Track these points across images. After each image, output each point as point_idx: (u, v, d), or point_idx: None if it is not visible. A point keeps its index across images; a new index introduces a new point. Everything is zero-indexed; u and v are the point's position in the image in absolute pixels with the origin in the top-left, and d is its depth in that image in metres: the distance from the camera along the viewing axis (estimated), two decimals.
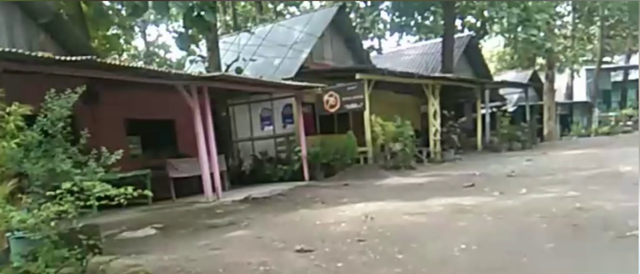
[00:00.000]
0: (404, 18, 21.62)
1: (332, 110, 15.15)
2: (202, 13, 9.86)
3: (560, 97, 33.46)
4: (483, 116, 21.68)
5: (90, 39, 12.60)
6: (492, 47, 40.11)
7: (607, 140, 22.02)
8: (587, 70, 35.71)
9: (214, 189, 10.24)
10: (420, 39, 27.47)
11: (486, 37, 37.53)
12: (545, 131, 26.87)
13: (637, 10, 34.86)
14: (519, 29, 20.49)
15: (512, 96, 30.01)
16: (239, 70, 15.74)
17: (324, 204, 8.69)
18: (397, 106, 20.52)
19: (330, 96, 15.02)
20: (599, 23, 32.70)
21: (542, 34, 21.13)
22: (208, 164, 10.07)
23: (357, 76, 14.30)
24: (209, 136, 10.22)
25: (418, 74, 16.74)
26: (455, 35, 23.65)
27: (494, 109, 24.59)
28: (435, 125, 18.23)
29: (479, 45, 28.63)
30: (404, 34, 23.44)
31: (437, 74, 18.89)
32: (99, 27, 12.85)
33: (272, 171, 14.83)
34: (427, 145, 18.14)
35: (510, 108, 27.75)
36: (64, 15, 10.92)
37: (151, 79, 8.77)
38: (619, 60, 40.50)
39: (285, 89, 13.70)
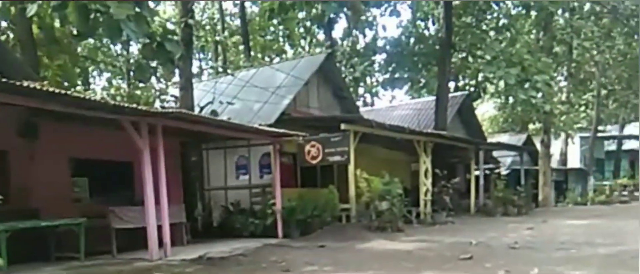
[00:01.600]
0: (397, 73, 20.50)
1: (314, 161, 13.69)
2: (165, 43, 8.54)
3: (553, 163, 32.37)
4: (477, 178, 20.33)
5: (41, 68, 11.18)
6: (483, 111, 39.39)
7: (607, 210, 20.63)
8: (581, 137, 34.87)
9: (161, 244, 8.60)
10: (413, 98, 26.52)
11: (479, 100, 36.95)
12: (540, 197, 25.51)
13: (636, 79, 34.49)
14: (517, 90, 19.40)
15: (506, 159, 28.89)
16: (214, 113, 14.41)
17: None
18: (386, 162, 19.21)
19: (312, 146, 13.60)
20: (595, 91, 32.09)
21: (541, 95, 20.07)
22: (155, 214, 8.46)
23: (342, 126, 12.93)
24: (160, 183, 8.67)
25: (409, 129, 15.39)
26: (450, 94, 22.70)
27: (487, 172, 23.31)
28: (426, 184, 16.83)
29: (474, 107, 27.75)
30: (396, 89, 22.34)
31: (430, 131, 17.62)
32: (52, 55, 11.47)
33: (242, 225, 13.24)
34: (417, 205, 16.68)
35: (504, 171, 26.51)
36: (7, 39, 9.55)
37: (87, 112, 7.31)
38: (611, 129, 39.92)
39: (258, 135, 12.27)
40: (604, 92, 32.61)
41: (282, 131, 12.05)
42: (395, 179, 13.82)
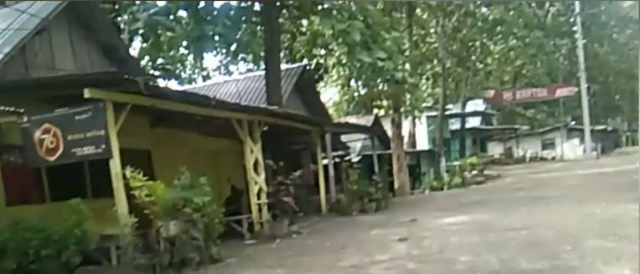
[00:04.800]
0: (205, 32, 14.62)
1: (52, 158, 7.82)
2: None
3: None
4: (326, 168, 15.97)
5: None
6: (326, 99, 36.14)
7: (472, 196, 17.61)
8: (428, 117, 32.99)
9: None
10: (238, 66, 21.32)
11: (321, 84, 33.35)
12: (396, 185, 22.21)
13: (472, 55, 33.63)
14: (362, 51, 15.32)
15: (356, 144, 25.32)
16: None
17: None
18: (206, 155, 14.14)
19: (47, 131, 7.75)
20: (440, 65, 30.16)
21: (390, 60, 16.27)
22: None
23: (87, 94, 7.16)
24: None
25: (216, 100, 9.80)
26: (285, 66, 18.07)
27: (337, 160, 19.27)
28: (258, 181, 11.86)
29: (315, 83, 23.62)
30: (208, 52, 16.57)
31: (254, 105, 12.68)
32: None
33: None
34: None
35: (355, 158, 22.81)
36: None
37: None
38: (452, 108, 39.16)
39: None
40: (447, 65, 30.85)
41: None
42: (202, 180, 8.61)
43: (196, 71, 23.65)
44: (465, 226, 9.87)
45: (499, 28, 33.39)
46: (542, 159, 41.57)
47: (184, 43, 17.35)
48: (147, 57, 15.60)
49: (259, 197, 11.85)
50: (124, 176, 7.69)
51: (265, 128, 13.51)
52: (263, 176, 12.03)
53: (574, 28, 41.45)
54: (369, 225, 11.52)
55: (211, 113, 9.90)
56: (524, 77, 49.75)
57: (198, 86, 20.13)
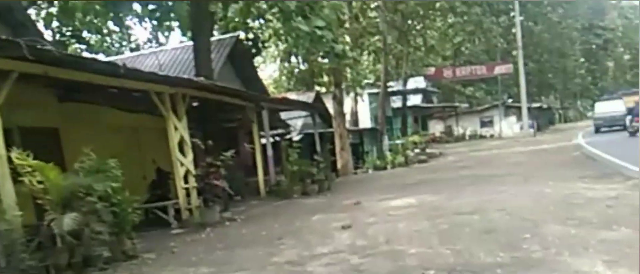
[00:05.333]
0: None
1: None
2: None
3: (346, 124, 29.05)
4: (264, 147, 14.85)
5: None
6: (265, 76, 34.75)
7: (417, 175, 17.01)
8: (370, 94, 32.36)
9: None
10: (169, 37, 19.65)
11: (260, 60, 31.96)
12: (339, 164, 21.39)
13: (413, 29, 33.13)
14: (300, 21, 14.18)
15: (296, 122, 24.24)
16: None
17: None
18: (128, 133, 12.65)
19: None
20: (381, 40, 29.40)
21: (330, 30, 15.22)
22: None
23: None
24: None
25: (127, 69, 8.15)
26: (216, 37, 16.60)
27: (277, 138, 18.17)
28: (184, 163, 10.59)
29: (251, 56, 22.22)
30: (126, 17, 14.73)
31: (176, 76, 11.31)
32: None
33: None
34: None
35: (296, 137, 21.77)
36: None
37: None
38: (394, 85, 38.78)
39: None
40: (388, 41, 30.17)
41: None
42: (111, 162, 7.29)
43: (124, 43, 21.67)
44: (413, 210, 9.07)
45: (438, 4, 33.17)
46: (481, 136, 42.22)
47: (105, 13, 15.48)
48: (56, 24, 13.72)
49: (186, 181, 10.62)
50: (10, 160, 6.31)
51: (195, 104, 12.27)
52: (190, 156, 10.78)
53: (510, 6, 41.98)
54: (310, 209, 10.56)
55: (122, 84, 8.49)
56: (463, 55, 50.26)
57: (122, 57, 18.36)
